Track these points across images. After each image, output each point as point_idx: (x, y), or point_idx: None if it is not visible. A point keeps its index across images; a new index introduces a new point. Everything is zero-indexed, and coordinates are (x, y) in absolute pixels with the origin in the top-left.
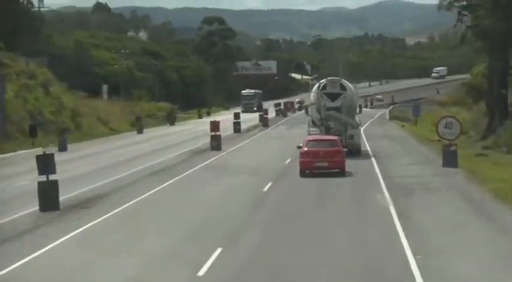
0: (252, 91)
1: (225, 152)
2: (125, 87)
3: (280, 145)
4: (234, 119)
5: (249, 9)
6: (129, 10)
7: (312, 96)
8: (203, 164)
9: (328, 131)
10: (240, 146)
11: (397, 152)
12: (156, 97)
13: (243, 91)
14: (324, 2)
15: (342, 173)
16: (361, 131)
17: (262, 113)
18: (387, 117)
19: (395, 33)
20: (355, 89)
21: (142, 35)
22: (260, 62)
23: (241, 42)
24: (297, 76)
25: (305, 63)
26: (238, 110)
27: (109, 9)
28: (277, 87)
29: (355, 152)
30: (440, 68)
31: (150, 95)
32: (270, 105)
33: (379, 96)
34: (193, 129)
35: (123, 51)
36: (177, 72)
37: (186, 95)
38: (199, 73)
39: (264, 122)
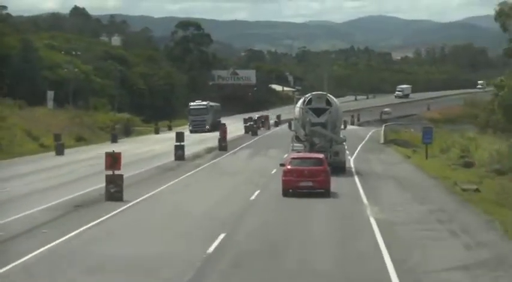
0: (203, 104)
1: (114, 212)
2: (82, 95)
3: (227, 191)
4: (176, 141)
5: (235, 20)
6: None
7: (296, 110)
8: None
9: (312, 147)
10: (159, 191)
11: (425, 227)
12: (116, 107)
13: (192, 103)
14: (310, 15)
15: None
16: (347, 152)
17: (221, 133)
18: (381, 140)
19: (382, 48)
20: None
21: (116, 40)
22: (238, 71)
23: (224, 52)
24: (278, 88)
25: (287, 74)
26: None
27: (87, 14)
28: (256, 99)
29: (340, 169)
30: (404, 86)
31: (113, 105)
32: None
33: (387, 109)
34: (135, 150)
35: (74, 53)
36: (145, 80)
37: (154, 106)
38: (169, 81)
39: (222, 145)
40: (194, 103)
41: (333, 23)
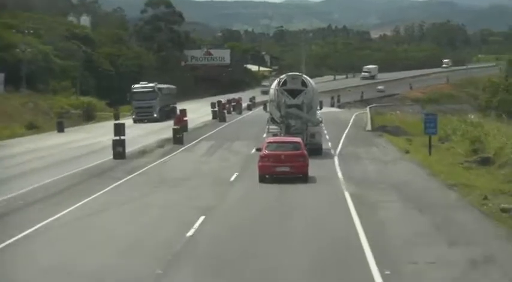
0: (150, 86)
1: None
2: (41, 78)
3: (150, 226)
4: (115, 134)
5: (212, 0)
6: None
7: (271, 92)
8: None
9: (288, 129)
10: (45, 225)
11: None
12: (78, 90)
13: (135, 86)
14: None
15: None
16: (325, 132)
17: (175, 122)
18: (368, 126)
19: (360, 27)
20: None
21: (85, 20)
22: (212, 51)
23: (201, 33)
24: (255, 68)
25: (264, 54)
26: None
27: None
28: (231, 80)
29: (317, 151)
30: (371, 66)
31: (76, 87)
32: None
33: (381, 87)
34: (78, 143)
35: (26, 31)
36: (111, 61)
37: (121, 88)
38: (138, 62)
39: (176, 137)
40: (138, 85)
41: (311, 1)
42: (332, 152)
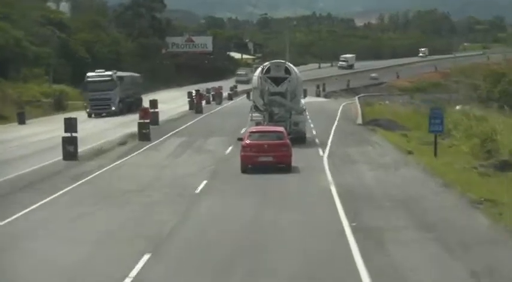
0: (107, 74)
1: None
2: (13, 65)
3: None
4: (65, 130)
5: None
6: None
7: (254, 80)
8: None
9: (271, 117)
10: None
11: None
12: (51, 77)
13: (90, 74)
14: None
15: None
16: (309, 121)
17: (141, 115)
18: (359, 119)
19: (344, 15)
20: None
21: (64, 6)
22: (194, 38)
23: (185, 20)
24: (238, 55)
25: (247, 41)
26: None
27: None
28: (213, 67)
29: (300, 139)
30: (348, 55)
31: (49, 75)
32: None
33: (374, 74)
34: (35, 137)
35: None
36: (88, 48)
37: None
38: (115, 49)
39: (142, 132)
40: (93, 73)
41: None
42: (317, 141)
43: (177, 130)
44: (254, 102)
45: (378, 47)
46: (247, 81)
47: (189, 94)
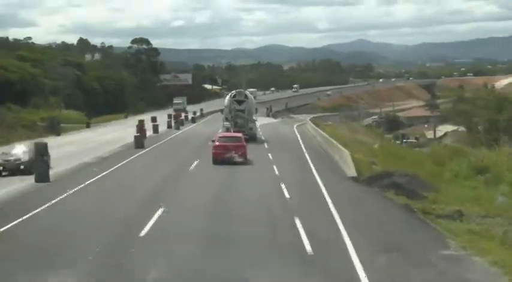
0: None
1: None
2: (29, 95)
3: None
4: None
5: (190, 49)
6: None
7: (225, 101)
8: None
9: (236, 124)
10: None
11: None
12: (63, 104)
13: None
14: (234, 44)
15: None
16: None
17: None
18: (351, 171)
19: (277, 62)
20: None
21: (97, 56)
22: (179, 75)
23: (180, 66)
24: (209, 87)
25: (217, 77)
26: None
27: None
28: (192, 95)
29: (253, 139)
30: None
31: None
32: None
33: (329, 92)
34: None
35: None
36: (99, 81)
37: (107, 103)
38: (120, 83)
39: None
40: None
41: (249, 48)
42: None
43: (72, 190)
44: (225, 115)
45: (299, 81)
46: (184, 110)
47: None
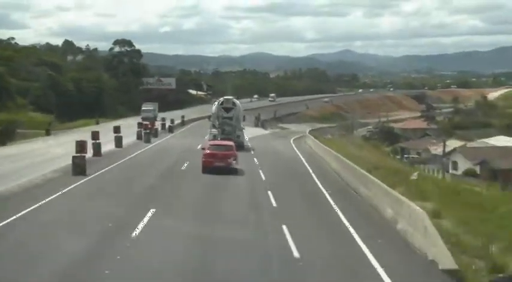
0: None
1: None
2: None
3: None
4: None
5: (177, 55)
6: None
7: (213, 108)
8: None
9: (223, 132)
10: None
11: None
12: (29, 106)
13: None
14: (221, 51)
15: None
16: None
17: None
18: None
19: (263, 71)
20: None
21: (79, 58)
22: (162, 79)
23: (166, 71)
24: (194, 92)
25: (203, 83)
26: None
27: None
28: (175, 100)
29: (240, 146)
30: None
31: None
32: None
33: (326, 100)
34: None
35: None
36: (75, 83)
37: (83, 105)
38: (99, 85)
39: None
40: None
41: (234, 56)
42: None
43: None
44: (212, 122)
45: (286, 89)
46: (154, 118)
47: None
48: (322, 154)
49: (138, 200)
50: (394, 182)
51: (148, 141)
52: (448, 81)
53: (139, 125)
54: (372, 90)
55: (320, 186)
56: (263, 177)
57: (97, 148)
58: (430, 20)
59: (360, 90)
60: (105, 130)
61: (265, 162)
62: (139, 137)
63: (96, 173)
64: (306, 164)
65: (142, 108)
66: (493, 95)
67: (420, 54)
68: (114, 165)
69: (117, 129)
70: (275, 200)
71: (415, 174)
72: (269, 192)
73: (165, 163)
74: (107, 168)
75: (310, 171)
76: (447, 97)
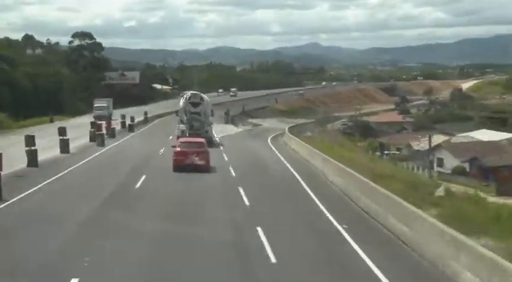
0: None
1: None
2: None
3: None
4: None
5: (142, 49)
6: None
7: (181, 104)
8: None
9: (192, 127)
10: None
11: None
12: None
13: None
14: (186, 45)
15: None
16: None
17: None
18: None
19: (228, 64)
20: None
21: (38, 51)
22: (125, 73)
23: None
24: (159, 86)
25: (168, 77)
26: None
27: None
28: (139, 95)
29: (209, 142)
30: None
31: None
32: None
33: (301, 92)
34: None
35: None
36: (31, 79)
37: (41, 102)
38: (57, 80)
39: None
40: None
41: (200, 50)
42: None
43: None
44: (180, 117)
45: (253, 82)
46: (109, 117)
47: (61, 130)
48: (315, 163)
49: (71, 240)
50: (416, 200)
51: (101, 144)
52: (415, 72)
53: (92, 124)
54: (334, 83)
55: (331, 218)
56: (246, 202)
57: (31, 157)
58: (395, 12)
59: (324, 83)
60: (56, 130)
61: (245, 173)
62: (92, 138)
63: (13, 199)
64: (299, 178)
65: (95, 105)
66: (464, 86)
67: (385, 46)
68: (45, 183)
69: (62, 131)
70: (274, 256)
71: (441, 189)
72: (263, 240)
73: (115, 177)
74: (30, 191)
75: (308, 190)
76: (418, 89)
